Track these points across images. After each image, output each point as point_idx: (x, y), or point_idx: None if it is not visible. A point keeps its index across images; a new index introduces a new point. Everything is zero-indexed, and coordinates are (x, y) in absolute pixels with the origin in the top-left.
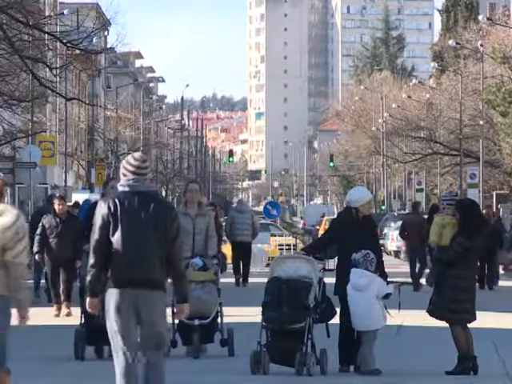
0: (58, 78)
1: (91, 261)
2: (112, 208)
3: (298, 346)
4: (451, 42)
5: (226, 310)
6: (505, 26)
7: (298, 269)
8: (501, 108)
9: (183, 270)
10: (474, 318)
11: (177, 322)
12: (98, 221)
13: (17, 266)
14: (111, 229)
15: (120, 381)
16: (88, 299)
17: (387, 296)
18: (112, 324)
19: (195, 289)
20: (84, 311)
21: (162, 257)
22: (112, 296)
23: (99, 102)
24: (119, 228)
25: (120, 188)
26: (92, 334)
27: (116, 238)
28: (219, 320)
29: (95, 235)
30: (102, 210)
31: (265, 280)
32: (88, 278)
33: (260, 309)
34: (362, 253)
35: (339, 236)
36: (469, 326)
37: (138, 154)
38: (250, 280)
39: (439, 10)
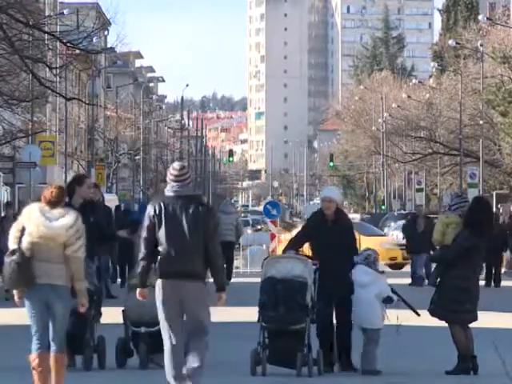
0: (58, 78)
1: (140, 255)
2: (157, 210)
3: (298, 347)
4: (451, 42)
5: (222, 310)
6: (505, 25)
7: (292, 269)
8: (501, 108)
9: (220, 263)
10: (476, 319)
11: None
12: (146, 221)
13: (76, 259)
14: (157, 228)
15: (168, 359)
16: (138, 289)
17: (389, 300)
18: (160, 310)
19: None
20: None
21: (202, 251)
22: (158, 286)
23: (99, 102)
24: (164, 227)
25: (166, 193)
26: None
27: (161, 236)
28: None
29: (143, 233)
30: (149, 212)
31: None
32: (138, 270)
33: (255, 309)
34: (364, 255)
35: (310, 235)
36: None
37: (177, 164)
38: (250, 280)
39: (439, 10)
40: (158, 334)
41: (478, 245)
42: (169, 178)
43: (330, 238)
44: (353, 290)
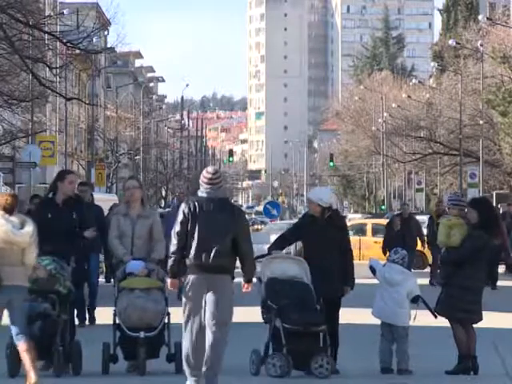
0: (58, 78)
1: (172, 249)
2: (192, 208)
3: (318, 349)
4: (451, 42)
5: None
6: (505, 25)
7: (291, 269)
8: (501, 108)
9: (252, 260)
10: (481, 319)
11: (118, 334)
12: (180, 217)
13: (32, 255)
14: (190, 224)
15: (189, 350)
16: (169, 280)
17: (416, 299)
18: (187, 301)
19: (139, 296)
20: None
21: (230, 249)
22: (190, 279)
23: (99, 102)
24: (197, 224)
25: (199, 194)
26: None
27: (194, 232)
28: (166, 333)
29: (177, 228)
30: (184, 209)
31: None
32: (169, 262)
33: (254, 309)
34: (402, 255)
35: (299, 235)
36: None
37: (210, 168)
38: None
39: (439, 10)
40: (156, 338)
41: (489, 244)
42: (202, 180)
43: (320, 238)
44: (343, 293)
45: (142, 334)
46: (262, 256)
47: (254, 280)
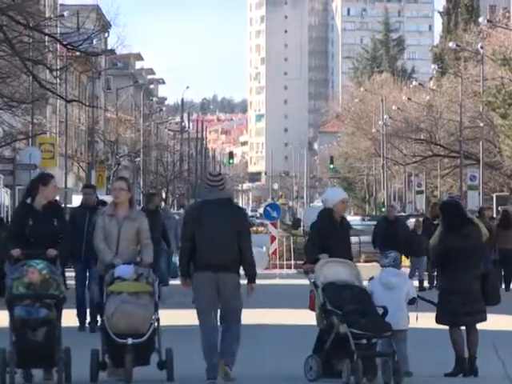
0: (58, 80)
1: (181, 251)
2: (196, 210)
3: (385, 354)
4: (451, 44)
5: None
6: (505, 28)
7: (341, 273)
8: (501, 110)
9: (252, 258)
10: (479, 319)
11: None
12: (185, 220)
13: None
14: (195, 226)
15: (204, 343)
16: (180, 280)
17: (413, 301)
18: (198, 299)
19: (127, 301)
20: (14, 328)
21: (236, 247)
22: (197, 278)
23: (99, 104)
24: (202, 225)
25: (203, 195)
26: (23, 355)
27: (200, 233)
28: (156, 339)
29: (183, 230)
30: (188, 212)
31: (264, 282)
32: (179, 263)
33: (258, 310)
34: (392, 257)
35: (320, 238)
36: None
37: (214, 171)
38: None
39: (440, 12)
40: (144, 345)
41: (456, 246)
42: (207, 183)
43: (337, 239)
44: None
45: (129, 341)
46: (315, 261)
47: (264, 281)
